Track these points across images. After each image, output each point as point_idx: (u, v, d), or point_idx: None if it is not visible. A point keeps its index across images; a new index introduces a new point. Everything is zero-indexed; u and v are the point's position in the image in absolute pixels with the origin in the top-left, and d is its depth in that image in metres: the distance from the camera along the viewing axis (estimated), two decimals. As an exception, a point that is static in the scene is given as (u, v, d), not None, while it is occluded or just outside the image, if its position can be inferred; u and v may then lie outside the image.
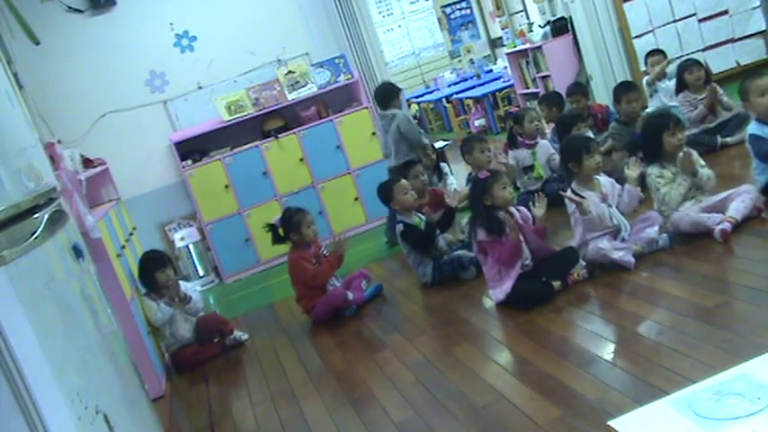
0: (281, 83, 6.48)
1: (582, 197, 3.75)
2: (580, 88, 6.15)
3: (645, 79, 6.13)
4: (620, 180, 4.02)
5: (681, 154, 3.79)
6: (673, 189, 3.78)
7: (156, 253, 4.78)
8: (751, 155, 3.91)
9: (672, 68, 6.05)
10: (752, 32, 7.54)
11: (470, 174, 5.51)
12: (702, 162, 3.87)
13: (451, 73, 12.03)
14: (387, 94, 5.82)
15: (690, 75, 5.43)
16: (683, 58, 5.94)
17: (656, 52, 6.20)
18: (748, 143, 3.88)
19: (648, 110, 5.64)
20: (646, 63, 6.27)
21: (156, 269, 4.47)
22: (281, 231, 4.55)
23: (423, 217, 4.58)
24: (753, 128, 3.85)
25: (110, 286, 3.60)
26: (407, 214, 4.57)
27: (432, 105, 11.86)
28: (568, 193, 3.83)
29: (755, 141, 3.80)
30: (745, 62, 7.52)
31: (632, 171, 3.85)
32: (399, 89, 6.02)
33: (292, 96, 6.46)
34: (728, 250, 3.49)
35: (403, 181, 4.62)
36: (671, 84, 5.80)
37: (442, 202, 4.86)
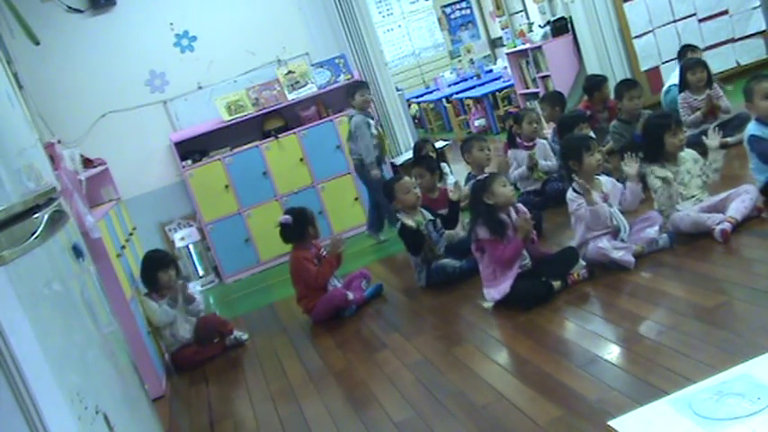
0: (281, 83, 6.48)
1: (587, 189, 3.75)
2: (606, 78, 6.10)
3: None
4: (621, 180, 4.02)
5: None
6: (664, 192, 3.78)
7: (159, 253, 4.78)
8: (748, 155, 3.92)
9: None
10: (752, 32, 7.55)
11: (470, 173, 5.51)
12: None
13: (451, 73, 12.03)
14: (347, 92, 5.74)
15: (692, 75, 5.40)
16: (687, 57, 5.93)
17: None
18: (747, 143, 3.88)
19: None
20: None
21: (159, 269, 4.47)
22: (292, 228, 4.54)
23: (427, 215, 4.55)
24: (752, 128, 3.86)
25: (110, 286, 3.60)
26: (410, 213, 4.55)
27: (432, 105, 11.85)
28: (574, 185, 3.82)
29: (756, 142, 3.80)
30: (745, 62, 7.52)
31: (630, 167, 3.82)
32: (362, 86, 5.84)
33: (292, 96, 6.46)
34: (728, 250, 3.49)
35: (405, 179, 4.58)
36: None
37: (448, 201, 4.86)
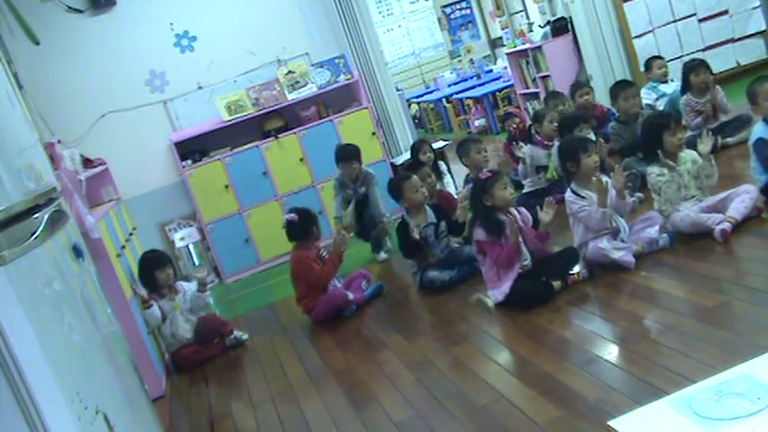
0: (281, 83, 6.48)
1: (584, 197, 3.76)
2: (585, 84, 6.16)
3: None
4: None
5: (703, 136, 3.82)
6: (669, 187, 3.77)
7: (155, 252, 4.78)
8: (752, 155, 3.91)
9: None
10: (752, 32, 7.55)
11: (468, 176, 5.51)
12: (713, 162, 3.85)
13: (451, 73, 12.03)
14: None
15: (696, 76, 5.36)
16: (689, 58, 5.92)
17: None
18: (752, 145, 3.86)
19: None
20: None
21: (155, 268, 4.47)
22: (297, 227, 4.55)
23: (431, 216, 4.52)
24: (760, 130, 3.82)
25: (110, 286, 3.60)
26: (414, 212, 4.55)
27: (432, 105, 11.86)
28: (573, 187, 3.81)
29: (762, 145, 3.78)
30: (745, 62, 7.52)
31: (616, 183, 3.74)
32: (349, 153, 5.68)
33: (292, 96, 6.46)
34: (728, 250, 3.49)
35: (414, 178, 4.57)
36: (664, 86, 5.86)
37: (450, 204, 4.86)
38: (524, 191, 5.45)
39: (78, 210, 3.66)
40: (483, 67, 11.42)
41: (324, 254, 4.60)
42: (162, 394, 4.04)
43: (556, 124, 5.40)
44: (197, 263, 6.12)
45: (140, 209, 6.29)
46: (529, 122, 5.85)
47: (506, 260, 3.67)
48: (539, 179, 5.42)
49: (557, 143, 5.42)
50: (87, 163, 5.55)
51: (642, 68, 7.44)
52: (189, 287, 4.66)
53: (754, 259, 3.37)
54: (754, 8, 7.47)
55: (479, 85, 10.74)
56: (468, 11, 12.89)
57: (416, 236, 4.36)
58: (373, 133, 6.52)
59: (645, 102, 5.78)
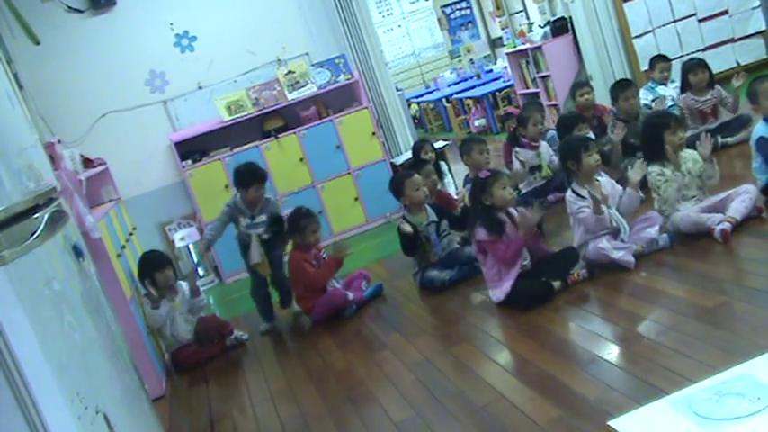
0: (281, 83, 6.48)
1: (584, 197, 3.76)
2: (586, 83, 6.16)
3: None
4: (619, 181, 4.02)
5: (702, 139, 3.80)
6: (669, 187, 3.78)
7: (155, 253, 4.77)
8: (753, 154, 3.91)
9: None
10: (752, 32, 7.55)
11: (467, 176, 5.51)
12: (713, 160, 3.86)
13: (451, 73, 12.03)
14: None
15: (694, 76, 5.38)
16: (688, 58, 5.92)
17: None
18: (754, 144, 3.86)
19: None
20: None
21: (155, 269, 4.47)
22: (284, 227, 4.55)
23: (432, 215, 4.53)
24: (762, 130, 3.83)
25: (110, 286, 3.60)
26: (415, 211, 4.55)
27: (432, 105, 11.86)
28: (573, 187, 3.81)
29: (765, 144, 3.78)
30: (745, 62, 7.51)
31: (635, 175, 3.80)
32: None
33: (292, 96, 6.46)
34: (728, 250, 3.49)
35: (416, 176, 4.58)
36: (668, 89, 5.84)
37: (448, 204, 4.85)
38: (523, 190, 5.47)
39: (78, 210, 3.66)
40: (483, 67, 11.42)
41: (324, 255, 4.60)
42: (162, 394, 4.04)
43: (540, 126, 5.44)
44: (185, 271, 6.06)
45: (140, 209, 6.29)
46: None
47: (515, 255, 3.66)
48: (534, 178, 5.45)
49: (542, 142, 5.47)
50: (87, 163, 5.55)
51: (644, 67, 7.49)
52: (187, 287, 4.65)
53: (754, 259, 3.37)
54: (754, 8, 7.48)
55: (479, 85, 10.74)
56: (468, 11, 12.89)
57: (408, 229, 4.37)
58: (373, 133, 6.52)
59: (642, 102, 5.78)
